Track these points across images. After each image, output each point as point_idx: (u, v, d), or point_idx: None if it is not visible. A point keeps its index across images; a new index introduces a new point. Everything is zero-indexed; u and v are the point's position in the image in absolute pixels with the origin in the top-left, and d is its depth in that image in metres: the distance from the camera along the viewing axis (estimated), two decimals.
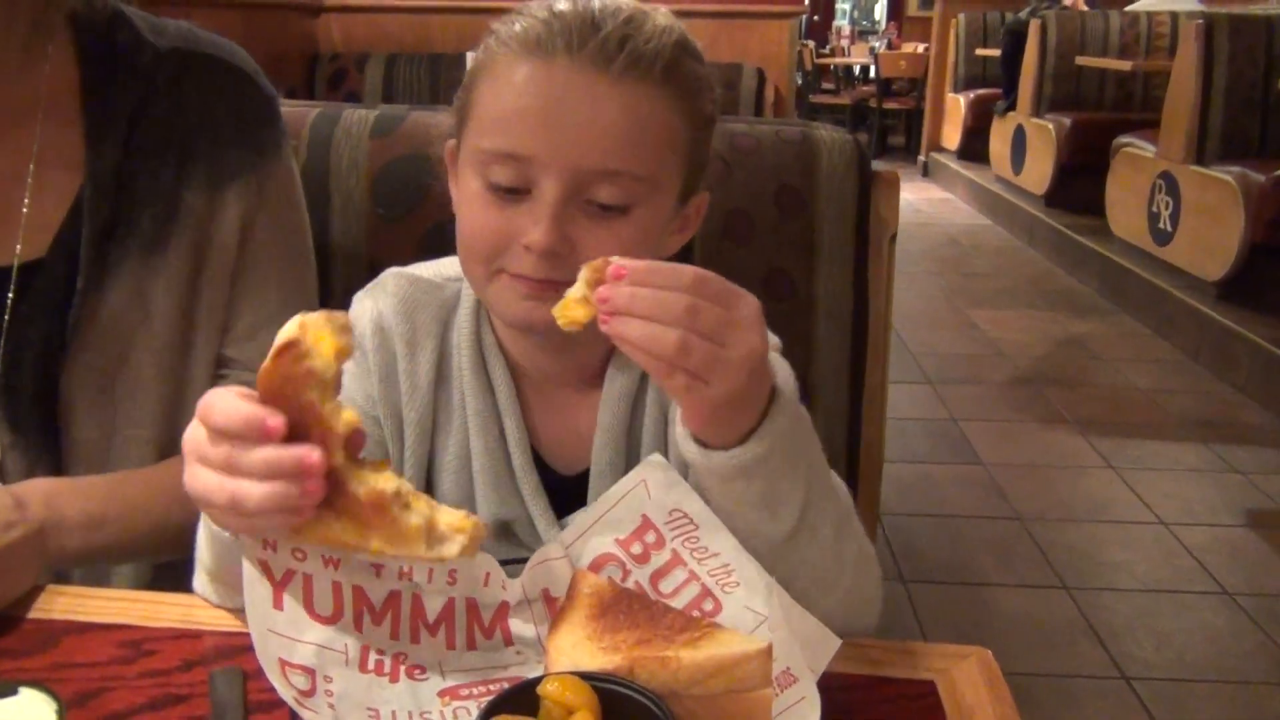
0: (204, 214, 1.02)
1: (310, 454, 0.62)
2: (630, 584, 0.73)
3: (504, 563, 0.74)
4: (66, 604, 0.81)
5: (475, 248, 0.84)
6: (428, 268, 0.96)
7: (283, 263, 1.08)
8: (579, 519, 0.75)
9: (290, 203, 1.10)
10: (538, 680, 0.62)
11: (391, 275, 0.95)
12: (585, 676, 0.62)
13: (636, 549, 0.73)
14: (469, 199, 0.83)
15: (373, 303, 0.93)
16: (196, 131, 1.01)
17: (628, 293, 0.65)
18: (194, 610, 0.81)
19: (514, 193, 0.80)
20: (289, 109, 1.28)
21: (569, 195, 0.79)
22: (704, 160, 0.88)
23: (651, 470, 0.73)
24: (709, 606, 0.72)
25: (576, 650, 0.67)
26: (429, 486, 0.94)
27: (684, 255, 1.19)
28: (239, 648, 0.75)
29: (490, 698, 0.63)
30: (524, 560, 0.74)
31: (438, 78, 3.18)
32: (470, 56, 0.88)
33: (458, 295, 0.94)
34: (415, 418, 0.92)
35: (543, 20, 0.80)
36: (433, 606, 0.73)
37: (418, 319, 0.92)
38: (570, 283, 0.68)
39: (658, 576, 0.73)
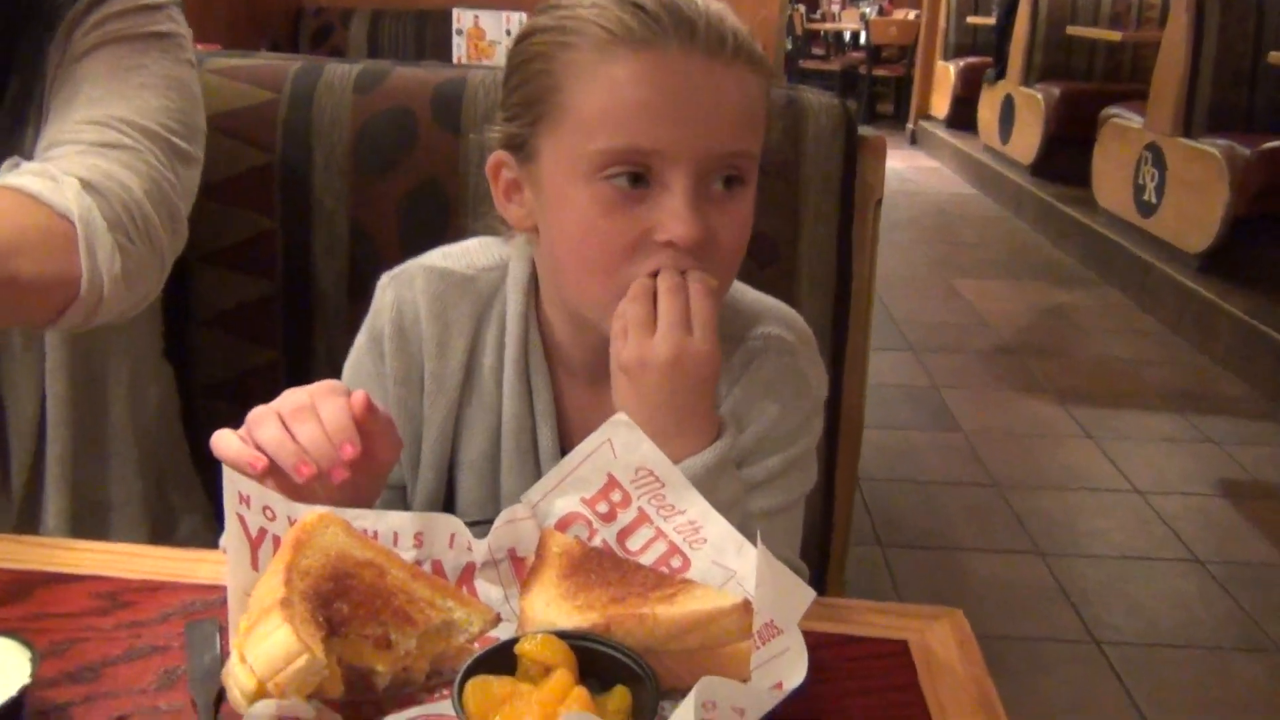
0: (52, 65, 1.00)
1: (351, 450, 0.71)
2: (597, 542, 0.74)
3: (470, 524, 0.74)
4: (42, 555, 0.81)
5: (601, 260, 0.79)
6: (457, 258, 0.92)
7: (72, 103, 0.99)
8: (545, 479, 0.75)
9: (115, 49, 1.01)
10: (515, 640, 0.62)
11: (422, 271, 0.91)
12: (562, 635, 0.63)
13: (603, 507, 0.74)
14: (579, 211, 0.79)
15: (395, 298, 0.90)
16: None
17: None
18: (170, 562, 0.81)
19: (639, 186, 0.77)
20: (270, 61, 1.27)
21: (699, 180, 0.78)
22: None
23: (616, 429, 0.73)
24: (677, 563, 0.72)
25: (550, 609, 0.67)
26: (448, 484, 0.93)
27: None
28: (216, 600, 0.75)
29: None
30: (489, 522, 0.74)
31: (424, 35, 3.14)
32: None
33: (493, 288, 0.91)
34: (439, 419, 0.90)
35: (627, 12, 0.77)
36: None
37: (450, 317, 0.90)
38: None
39: (624, 534, 0.73)
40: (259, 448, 0.71)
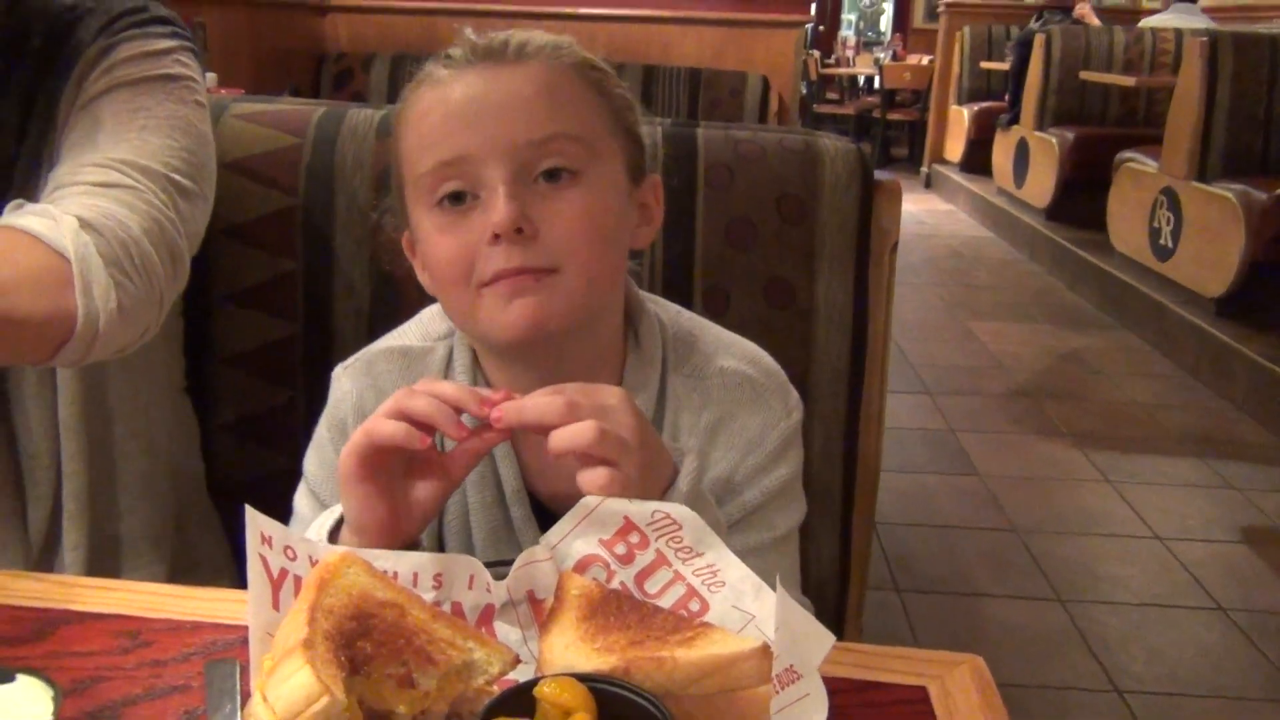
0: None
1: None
2: (615, 584, 0.73)
3: (489, 565, 0.74)
4: (63, 593, 0.81)
5: (450, 273, 0.83)
6: (412, 333, 0.96)
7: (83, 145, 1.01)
8: (562, 522, 0.75)
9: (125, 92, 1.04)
10: (534, 682, 0.62)
11: (380, 355, 0.94)
12: (581, 678, 0.63)
13: (620, 549, 0.73)
14: (428, 239, 0.84)
15: (353, 385, 0.93)
16: (75, 37, 1.03)
17: (514, 405, 0.73)
18: (191, 602, 0.82)
19: (465, 199, 0.81)
20: (294, 107, 1.29)
21: (515, 175, 0.80)
22: (639, 139, 0.90)
23: None
24: (696, 606, 0.72)
25: (570, 652, 0.67)
26: (438, 546, 0.93)
27: (685, 264, 1.20)
28: (237, 640, 0.75)
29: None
30: (509, 563, 0.74)
31: None
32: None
33: (449, 354, 0.94)
34: None
35: (438, 63, 0.85)
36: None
37: None
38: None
39: (643, 576, 0.73)
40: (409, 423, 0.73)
